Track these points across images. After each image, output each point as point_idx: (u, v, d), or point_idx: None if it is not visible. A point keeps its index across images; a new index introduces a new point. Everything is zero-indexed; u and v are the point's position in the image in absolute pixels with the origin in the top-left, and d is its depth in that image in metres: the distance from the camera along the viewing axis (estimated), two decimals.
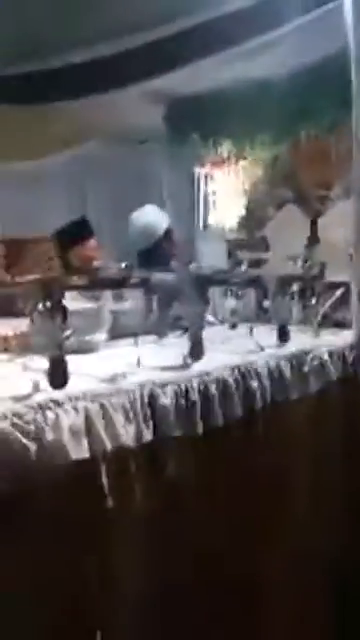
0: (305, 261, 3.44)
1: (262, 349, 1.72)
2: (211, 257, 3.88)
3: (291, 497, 1.64)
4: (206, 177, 4.39)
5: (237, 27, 3.38)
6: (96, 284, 1.54)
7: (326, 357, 1.81)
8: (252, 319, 2.26)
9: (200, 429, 1.40)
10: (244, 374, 1.55)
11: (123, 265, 1.43)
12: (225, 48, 3.65)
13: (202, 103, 4.10)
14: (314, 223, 4.21)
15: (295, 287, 2.61)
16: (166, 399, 1.36)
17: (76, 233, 2.18)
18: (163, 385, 1.37)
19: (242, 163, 4.34)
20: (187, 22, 3.18)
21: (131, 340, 1.78)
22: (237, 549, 1.46)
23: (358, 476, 1.84)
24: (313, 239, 4.16)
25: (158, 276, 1.59)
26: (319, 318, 2.58)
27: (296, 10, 3.21)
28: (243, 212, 4.39)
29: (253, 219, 4.40)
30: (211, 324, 2.25)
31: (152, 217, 2.58)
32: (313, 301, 2.40)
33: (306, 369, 1.74)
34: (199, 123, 4.15)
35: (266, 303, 2.18)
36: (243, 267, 3.54)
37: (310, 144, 4.14)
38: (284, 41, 3.69)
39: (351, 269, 2.06)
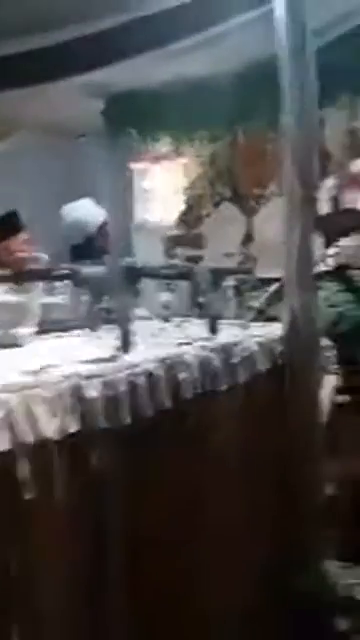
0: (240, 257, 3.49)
1: (192, 341, 1.74)
2: (148, 252, 3.89)
3: (218, 487, 1.67)
4: (144, 173, 4.39)
5: (175, 24, 3.39)
6: (21, 276, 1.52)
7: (255, 349, 1.85)
8: (186, 313, 2.29)
9: (127, 421, 1.40)
10: (172, 366, 1.56)
11: (47, 258, 1.41)
12: (163, 44, 3.65)
13: (140, 99, 4.09)
14: (250, 220, 4.31)
15: (229, 282, 2.66)
16: (93, 391, 1.35)
17: (6, 227, 2.14)
18: (90, 377, 1.36)
19: (180, 160, 4.37)
20: (124, 16, 3.16)
21: (61, 333, 1.76)
22: (164, 545, 1.47)
23: (286, 464, 1.89)
24: (249, 236, 4.26)
25: (87, 269, 1.58)
26: (254, 312, 2.63)
27: (234, 9, 3.25)
28: (181, 208, 4.43)
29: (191, 215, 4.44)
30: (145, 318, 2.26)
31: (84, 211, 2.56)
32: (246, 295, 2.46)
33: (235, 361, 1.77)
34: (137, 118, 4.14)
35: (200, 298, 2.20)
36: (177, 261, 3.55)
37: (247, 143, 4.21)
38: (224, 39, 3.73)
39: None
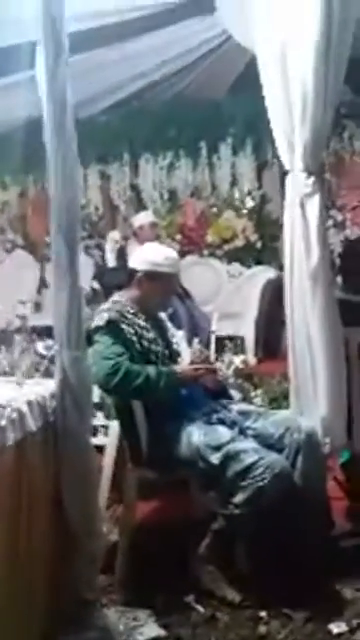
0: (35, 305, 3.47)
1: None
2: None
3: None
4: None
5: None
6: None
7: (25, 409, 1.85)
8: None
9: None
10: None
11: None
12: None
13: None
14: (44, 267, 4.34)
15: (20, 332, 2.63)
16: None
17: None
18: None
19: None
20: None
21: None
22: None
23: (59, 523, 1.91)
24: (42, 283, 4.28)
25: None
26: (47, 362, 2.62)
27: (26, 60, 3.30)
28: None
29: None
30: None
31: None
32: (23, 350, 2.45)
33: (3, 423, 1.76)
34: None
35: None
36: None
37: (38, 193, 4.26)
38: (16, 89, 3.75)
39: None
